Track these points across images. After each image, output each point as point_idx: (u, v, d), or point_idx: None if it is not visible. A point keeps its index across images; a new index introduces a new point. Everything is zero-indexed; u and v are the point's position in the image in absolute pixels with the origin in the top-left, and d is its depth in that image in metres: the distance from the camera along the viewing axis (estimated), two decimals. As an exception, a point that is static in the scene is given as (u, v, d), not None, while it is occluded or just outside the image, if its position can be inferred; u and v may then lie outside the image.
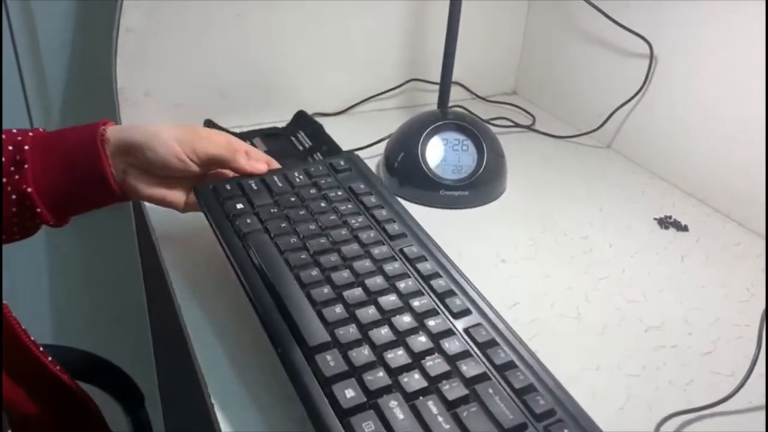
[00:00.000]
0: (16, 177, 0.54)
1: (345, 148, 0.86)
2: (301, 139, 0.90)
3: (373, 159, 0.87)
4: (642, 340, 0.59)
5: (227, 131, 0.90)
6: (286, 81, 0.96)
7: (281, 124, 0.94)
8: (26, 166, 0.54)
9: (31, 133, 0.56)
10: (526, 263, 0.69)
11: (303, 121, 0.93)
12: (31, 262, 1.13)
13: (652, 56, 0.86)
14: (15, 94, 1.01)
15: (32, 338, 0.59)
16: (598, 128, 0.94)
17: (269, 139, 0.90)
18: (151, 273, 0.99)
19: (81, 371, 0.82)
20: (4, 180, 0.53)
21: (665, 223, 0.77)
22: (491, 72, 1.12)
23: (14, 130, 0.56)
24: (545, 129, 1.00)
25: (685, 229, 0.76)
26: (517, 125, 1.01)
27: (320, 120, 0.94)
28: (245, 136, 0.90)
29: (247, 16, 0.88)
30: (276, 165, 0.63)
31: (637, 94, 0.89)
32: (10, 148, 0.54)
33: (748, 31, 0.73)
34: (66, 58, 0.98)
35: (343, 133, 0.90)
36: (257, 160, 0.61)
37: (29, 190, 0.54)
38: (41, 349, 0.60)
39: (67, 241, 1.11)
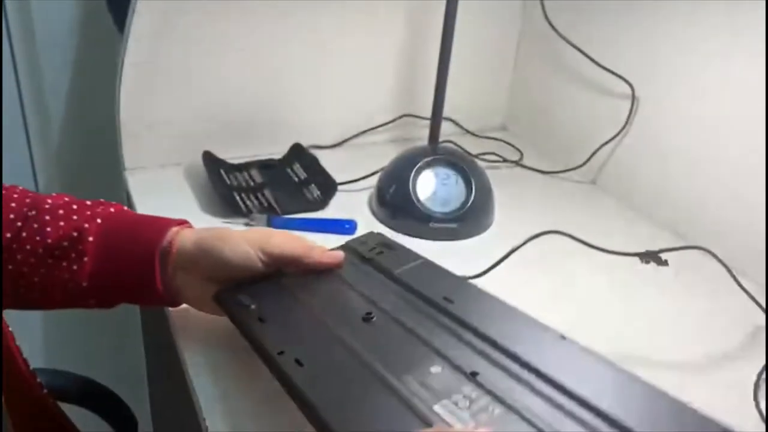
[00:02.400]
0: (74, 267, 0.55)
1: (339, 179, 0.90)
2: (296, 171, 0.93)
3: (365, 191, 0.90)
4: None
5: (223, 163, 0.93)
6: (284, 114, 1.00)
7: (278, 156, 0.97)
8: (85, 259, 0.54)
9: (99, 220, 0.56)
10: (509, 290, 0.71)
11: (298, 153, 0.96)
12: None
13: (633, 97, 0.90)
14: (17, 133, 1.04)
15: (24, 356, 0.60)
16: (582, 165, 0.98)
17: (265, 169, 0.93)
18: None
19: (75, 395, 0.83)
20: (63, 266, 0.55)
21: (645, 257, 0.80)
22: (481, 108, 1.16)
23: (87, 210, 0.57)
24: (533, 164, 1.03)
25: (665, 263, 0.79)
26: (505, 160, 1.04)
27: (316, 152, 0.97)
28: (243, 167, 0.93)
29: (247, 52, 0.92)
30: (341, 255, 0.60)
31: (619, 133, 0.93)
32: (75, 234, 0.55)
33: (726, 71, 0.77)
34: (66, 93, 1.02)
35: (338, 166, 0.93)
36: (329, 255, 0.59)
37: (84, 284, 0.55)
38: (31, 369, 0.61)
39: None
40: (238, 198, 0.84)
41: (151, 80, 0.88)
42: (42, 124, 1.09)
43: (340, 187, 0.90)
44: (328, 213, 0.86)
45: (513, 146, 1.10)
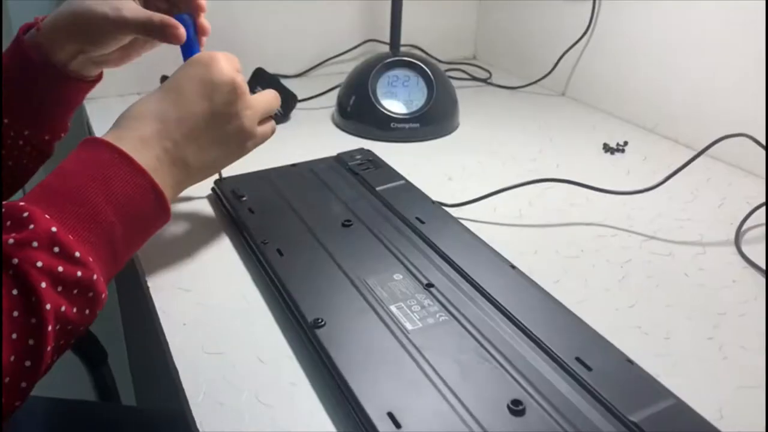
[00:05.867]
0: None
1: (300, 98, 0.88)
2: (257, 92, 0.91)
3: (328, 109, 0.89)
4: (583, 231, 0.60)
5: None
6: (248, 44, 0.98)
7: (240, 83, 0.95)
8: None
9: None
10: (472, 180, 0.70)
11: (260, 76, 0.94)
12: None
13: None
14: None
15: None
16: (549, 74, 0.97)
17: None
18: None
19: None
20: None
21: (611, 148, 0.78)
22: (451, 39, 1.14)
23: None
24: (501, 83, 1.02)
25: (621, 150, 0.77)
26: (474, 78, 1.03)
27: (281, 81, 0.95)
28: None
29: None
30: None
31: (582, 37, 0.91)
32: None
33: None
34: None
35: (302, 91, 0.91)
36: None
37: None
38: None
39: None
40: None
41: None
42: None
43: (302, 104, 0.88)
44: (291, 128, 0.84)
45: (482, 68, 1.09)
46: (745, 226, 0.60)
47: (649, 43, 0.82)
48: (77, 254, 0.38)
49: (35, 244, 0.37)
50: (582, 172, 0.71)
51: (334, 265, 0.51)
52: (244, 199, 0.60)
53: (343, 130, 0.83)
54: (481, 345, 0.43)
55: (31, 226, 0.37)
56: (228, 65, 0.50)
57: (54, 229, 0.38)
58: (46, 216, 0.38)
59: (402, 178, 0.65)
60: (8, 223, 0.38)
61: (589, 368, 0.41)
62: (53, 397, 0.73)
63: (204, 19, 0.58)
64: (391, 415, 0.37)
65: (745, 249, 0.57)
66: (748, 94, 0.71)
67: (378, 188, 0.63)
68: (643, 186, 0.63)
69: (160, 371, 1.07)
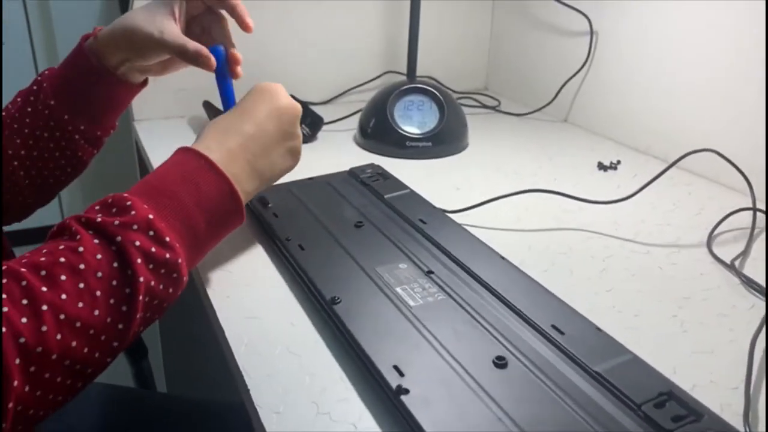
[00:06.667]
0: (40, 97, 0.65)
1: (326, 121, 0.98)
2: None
3: (351, 131, 0.99)
4: (573, 234, 0.68)
5: (222, 112, 1.02)
6: (277, 72, 1.09)
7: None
8: (45, 84, 0.65)
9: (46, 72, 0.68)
10: (477, 190, 0.78)
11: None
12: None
13: (592, 32, 0.98)
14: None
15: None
16: (551, 102, 1.06)
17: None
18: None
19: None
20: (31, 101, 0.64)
21: (604, 166, 0.86)
22: (464, 70, 1.25)
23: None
24: (509, 110, 1.11)
25: (614, 167, 0.85)
26: (483, 106, 1.12)
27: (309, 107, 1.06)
28: (239, 116, 1.02)
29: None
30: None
31: (582, 67, 1.00)
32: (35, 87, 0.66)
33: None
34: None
35: (327, 115, 1.01)
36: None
37: (52, 102, 0.65)
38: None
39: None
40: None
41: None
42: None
43: (327, 127, 0.98)
44: (318, 147, 0.94)
45: (492, 97, 1.18)
46: (717, 231, 0.68)
47: (642, 71, 0.91)
48: (167, 239, 0.46)
49: (135, 227, 0.45)
50: (576, 185, 0.80)
51: (348, 257, 0.59)
52: (270, 205, 0.69)
53: (364, 148, 0.93)
54: (472, 317, 0.51)
55: (133, 213, 0.46)
56: (287, 94, 0.61)
57: (150, 216, 0.46)
58: (145, 206, 0.47)
59: (407, 187, 0.74)
60: (114, 209, 0.46)
61: (562, 333, 0.48)
62: (105, 383, 0.82)
63: (236, 51, 0.67)
64: (396, 368, 0.45)
65: (715, 249, 0.64)
66: (729, 115, 0.79)
67: (386, 196, 0.71)
68: (630, 199, 0.71)
69: (196, 363, 1.17)
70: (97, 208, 0.47)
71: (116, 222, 0.45)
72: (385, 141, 0.90)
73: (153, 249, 0.45)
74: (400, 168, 0.85)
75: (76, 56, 0.66)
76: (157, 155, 0.88)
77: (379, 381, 0.44)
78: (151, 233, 0.46)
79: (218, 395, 0.81)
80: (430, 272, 0.57)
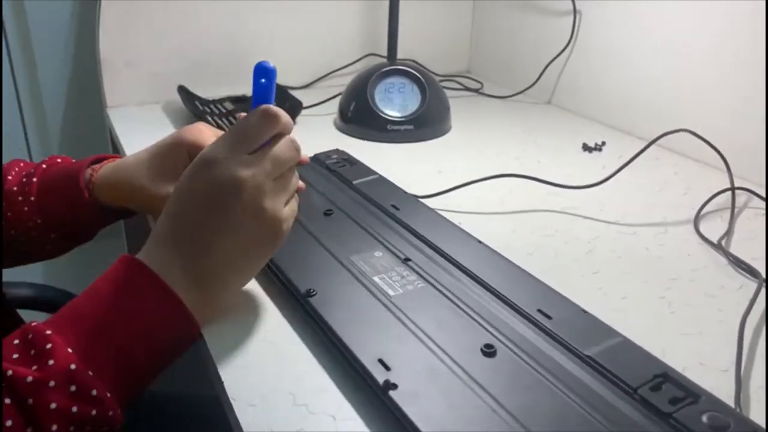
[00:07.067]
0: (27, 205, 0.60)
1: (305, 105, 0.96)
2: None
3: (330, 115, 0.96)
4: (558, 216, 0.67)
5: (198, 97, 0.99)
6: (255, 56, 1.05)
7: (250, 94, 1.03)
8: (32, 198, 0.60)
9: (44, 165, 0.62)
10: (459, 174, 0.77)
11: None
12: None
13: (575, 11, 0.96)
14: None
15: None
16: (534, 84, 1.04)
17: (237, 102, 0.99)
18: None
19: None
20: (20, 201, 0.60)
21: (589, 148, 0.85)
22: (446, 53, 1.22)
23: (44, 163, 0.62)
24: (492, 93, 1.09)
25: (599, 149, 0.84)
26: (466, 88, 1.10)
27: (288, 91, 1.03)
28: (216, 101, 0.99)
29: (216, -5, 1.00)
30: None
31: (565, 48, 0.99)
32: (24, 180, 0.61)
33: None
34: (53, 33, 1.09)
35: (306, 99, 0.99)
36: None
37: (39, 221, 0.60)
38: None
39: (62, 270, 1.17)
40: (212, 120, 0.90)
41: (128, 18, 0.95)
42: (29, 71, 1.15)
43: (307, 110, 0.96)
44: (297, 132, 0.91)
45: (475, 80, 1.16)
46: (704, 211, 0.67)
47: (626, 51, 0.90)
48: (94, 392, 0.39)
49: (52, 383, 0.38)
50: (560, 167, 0.79)
51: (321, 247, 0.57)
52: None
53: (344, 132, 0.90)
54: (455, 304, 0.49)
55: (51, 362, 0.38)
56: (224, 154, 0.46)
57: (73, 366, 0.39)
58: (69, 350, 0.39)
59: (375, 173, 0.71)
60: (32, 352, 0.39)
61: (549, 317, 0.47)
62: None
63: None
64: (381, 361, 0.43)
65: (702, 229, 0.64)
66: (716, 97, 0.78)
67: (355, 182, 0.69)
68: (616, 180, 0.69)
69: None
70: (15, 342, 0.40)
71: (29, 378, 0.37)
72: (365, 125, 0.88)
73: (74, 408, 0.38)
74: (381, 152, 0.83)
75: (73, 180, 0.60)
76: (131, 143, 0.85)
77: (363, 376, 0.42)
78: (73, 388, 0.38)
79: (193, 389, 0.79)
80: (408, 259, 0.55)
